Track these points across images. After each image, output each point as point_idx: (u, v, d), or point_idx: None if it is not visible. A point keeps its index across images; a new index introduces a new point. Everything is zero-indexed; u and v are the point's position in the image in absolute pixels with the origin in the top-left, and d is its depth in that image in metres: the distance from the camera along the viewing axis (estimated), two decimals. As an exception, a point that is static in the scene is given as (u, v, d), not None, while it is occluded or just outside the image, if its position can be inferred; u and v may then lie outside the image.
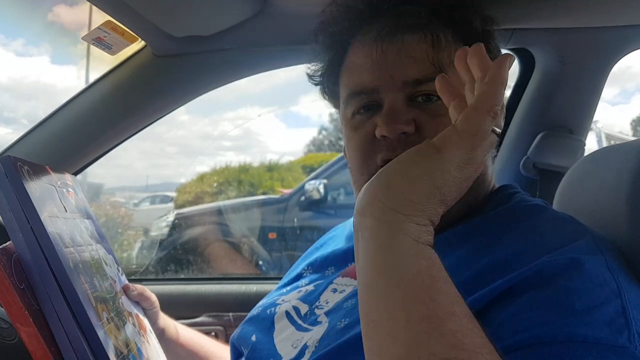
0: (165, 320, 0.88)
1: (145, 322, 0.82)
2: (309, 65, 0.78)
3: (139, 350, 0.69)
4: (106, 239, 0.80)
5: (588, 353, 0.43)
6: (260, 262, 4.24)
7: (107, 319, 0.62)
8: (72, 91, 1.11)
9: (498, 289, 0.50)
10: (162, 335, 0.86)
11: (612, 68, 1.05)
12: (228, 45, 0.97)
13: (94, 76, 1.13)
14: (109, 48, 0.97)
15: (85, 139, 1.10)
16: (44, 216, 0.57)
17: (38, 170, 0.64)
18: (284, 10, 0.86)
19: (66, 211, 0.67)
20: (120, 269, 0.81)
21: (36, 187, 0.60)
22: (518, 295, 0.48)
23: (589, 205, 0.66)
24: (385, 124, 0.62)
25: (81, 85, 1.12)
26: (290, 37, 0.95)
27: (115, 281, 0.74)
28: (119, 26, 0.92)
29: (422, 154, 0.48)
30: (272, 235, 4.57)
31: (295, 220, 4.59)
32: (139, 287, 0.81)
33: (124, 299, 0.75)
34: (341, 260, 0.76)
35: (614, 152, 0.67)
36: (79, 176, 1.18)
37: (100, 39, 0.94)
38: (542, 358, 0.44)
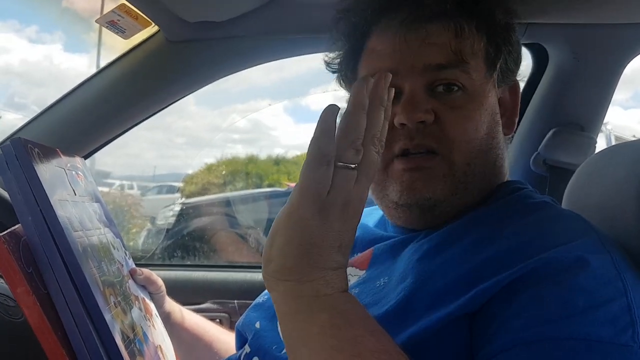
0: (171, 304, 0.89)
1: (152, 306, 0.82)
2: (325, 53, 0.77)
3: (144, 334, 0.70)
4: (114, 222, 0.80)
5: (589, 351, 0.43)
6: (256, 262, 4.25)
7: (115, 303, 0.62)
8: (83, 79, 1.11)
9: (502, 282, 0.49)
10: (167, 319, 0.86)
11: (625, 66, 1.04)
12: (241, 33, 0.97)
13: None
14: (122, 32, 0.98)
15: (96, 123, 1.11)
16: (54, 199, 0.57)
17: (48, 152, 0.64)
18: (298, -1, 0.86)
19: (75, 194, 0.67)
20: (127, 252, 0.81)
21: (46, 170, 0.59)
22: (522, 290, 0.48)
23: (599, 202, 0.66)
24: (405, 111, 0.61)
25: (92, 73, 1.12)
26: (303, 25, 0.94)
27: (122, 265, 0.74)
28: (133, 10, 0.92)
29: (282, 219, 0.49)
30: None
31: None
32: (145, 271, 0.82)
33: (130, 283, 0.75)
34: None
35: (624, 149, 0.67)
36: (87, 162, 1.19)
37: (113, 22, 0.95)
38: (544, 356, 0.44)
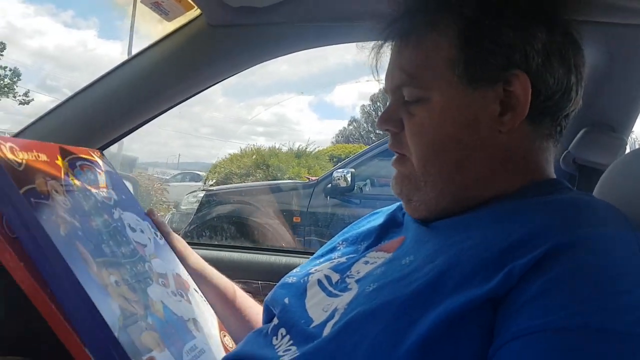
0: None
1: (189, 281, 0.85)
2: (361, 43, 0.79)
3: (166, 308, 0.73)
4: (139, 206, 0.85)
5: (602, 341, 0.44)
6: (284, 245, 4.28)
7: (116, 282, 0.67)
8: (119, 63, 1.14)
9: (528, 264, 0.50)
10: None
11: (662, 69, 1.03)
12: (280, 19, 0.99)
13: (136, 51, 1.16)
14: (166, 14, 1.01)
15: (134, 104, 1.13)
16: (25, 189, 0.63)
17: (26, 146, 0.70)
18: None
19: (71, 184, 0.72)
20: (157, 233, 0.85)
21: (19, 162, 0.66)
22: (541, 275, 0.49)
23: (628, 202, 0.65)
24: (377, 122, 0.73)
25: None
26: (342, 13, 0.96)
27: (145, 245, 0.79)
28: (177, -8, 0.95)
29: None
30: (296, 219, 4.61)
31: (321, 206, 4.62)
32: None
33: (155, 262, 0.79)
34: (376, 236, 0.78)
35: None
36: (114, 148, 1.22)
37: (158, 4, 0.98)
38: (555, 345, 0.45)
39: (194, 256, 0.94)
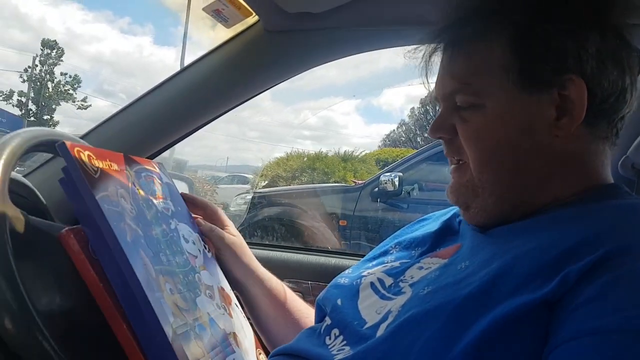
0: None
1: (231, 295, 0.87)
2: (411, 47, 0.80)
3: (212, 320, 0.76)
4: (191, 218, 0.89)
5: None
6: (329, 248, 4.30)
7: (170, 290, 0.70)
8: (169, 72, 1.18)
9: (583, 268, 0.50)
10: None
11: None
12: (336, 24, 1.01)
13: (189, 59, 1.20)
14: (225, 21, 1.05)
15: (190, 111, 1.17)
16: (100, 196, 0.67)
17: (101, 155, 0.74)
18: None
19: (135, 193, 0.76)
20: (206, 246, 0.88)
21: (95, 170, 0.71)
22: (596, 279, 0.49)
23: None
24: (429, 129, 0.73)
25: (177, 67, 1.19)
26: (397, 18, 0.97)
27: (195, 257, 0.82)
28: (237, 0, 0.99)
29: None
30: (342, 223, 4.62)
31: (367, 210, 4.61)
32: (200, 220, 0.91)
33: (204, 274, 0.82)
34: (431, 243, 0.78)
35: None
36: (167, 151, 1.26)
37: (218, 11, 1.02)
38: (608, 347, 0.45)
39: (248, 255, 0.95)
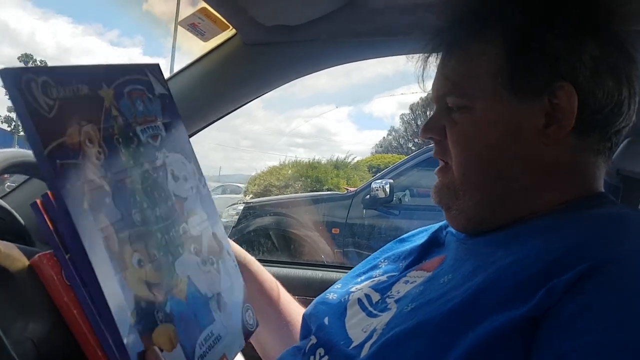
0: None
1: (224, 241, 0.73)
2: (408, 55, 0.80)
3: (191, 286, 0.63)
4: (188, 141, 0.71)
5: None
6: (323, 257, 4.29)
7: (139, 262, 0.56)
8: None
9: (569, 281, 0.49)
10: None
11: None
12: (315, 36, 1.01)
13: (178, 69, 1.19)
14: (202, 34, 1.04)
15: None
16: (51, 147, 0.49)
17: (64, 79, 0.54)
18: (372, 2, 0.88)
19: (110, 126, 0.58)
20: (202, 179, 0.72)
21: (50, 105, 0.51)
22: (579, 294, 0.49)
23: None
24: (420, 130, 0.73)
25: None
26: (377, 29, 0.96)
27: (185, 198, 0.66)
28: (213, 13, 0.98)
29: None
30: (335, 231, 4.61)
31: (359, 217, 4.61)
32: None
33: (194, 221, 0.67)
34: (417, 255, 0.78)
35: None
36: None
37: (194, 25, 1.01)
38: None
39: (237, 248, 0.88)
